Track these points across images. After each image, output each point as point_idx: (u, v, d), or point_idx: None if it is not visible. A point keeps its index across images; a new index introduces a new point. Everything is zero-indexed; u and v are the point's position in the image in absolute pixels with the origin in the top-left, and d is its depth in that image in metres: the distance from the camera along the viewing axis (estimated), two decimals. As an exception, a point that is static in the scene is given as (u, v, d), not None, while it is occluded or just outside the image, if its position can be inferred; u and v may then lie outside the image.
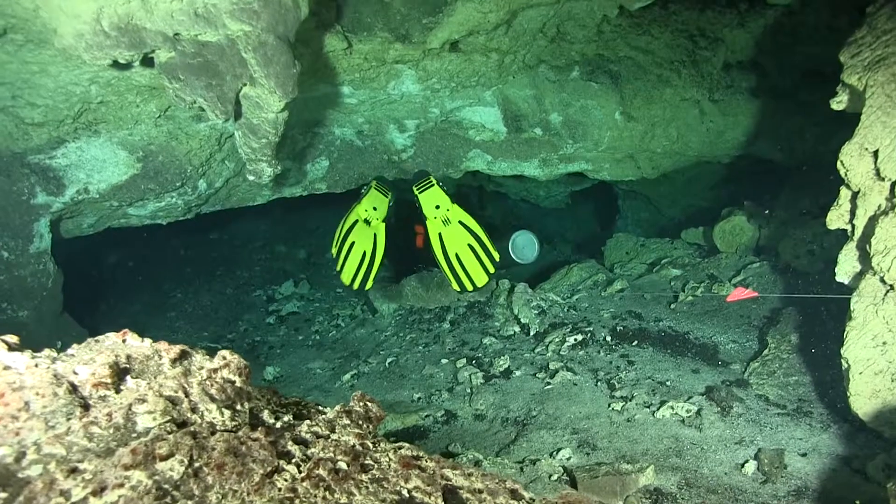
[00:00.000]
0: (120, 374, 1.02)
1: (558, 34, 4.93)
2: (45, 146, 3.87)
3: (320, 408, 1.33)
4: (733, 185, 8.17)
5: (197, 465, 0.86)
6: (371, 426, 1.27)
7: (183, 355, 1.15)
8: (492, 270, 5.07)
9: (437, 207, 5.21)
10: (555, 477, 2.70)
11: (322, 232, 9.85)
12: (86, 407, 0.92)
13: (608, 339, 4.39)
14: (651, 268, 5.88)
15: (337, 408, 1.30)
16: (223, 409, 1.02)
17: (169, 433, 0.88)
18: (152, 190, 4.39)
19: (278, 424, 1.13)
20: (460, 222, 5.22)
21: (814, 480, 2.56)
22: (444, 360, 4.63)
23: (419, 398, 4.20)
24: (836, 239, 4.65)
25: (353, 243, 5.23)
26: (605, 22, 4.92)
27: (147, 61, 3.23)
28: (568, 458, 2.95)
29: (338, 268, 5.25)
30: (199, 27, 3.07)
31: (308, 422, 1.17)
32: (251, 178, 4.04)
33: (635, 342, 4.30)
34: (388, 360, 4.92)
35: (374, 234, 5.28)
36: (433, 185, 5.28)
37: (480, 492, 0.99)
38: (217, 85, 3.29)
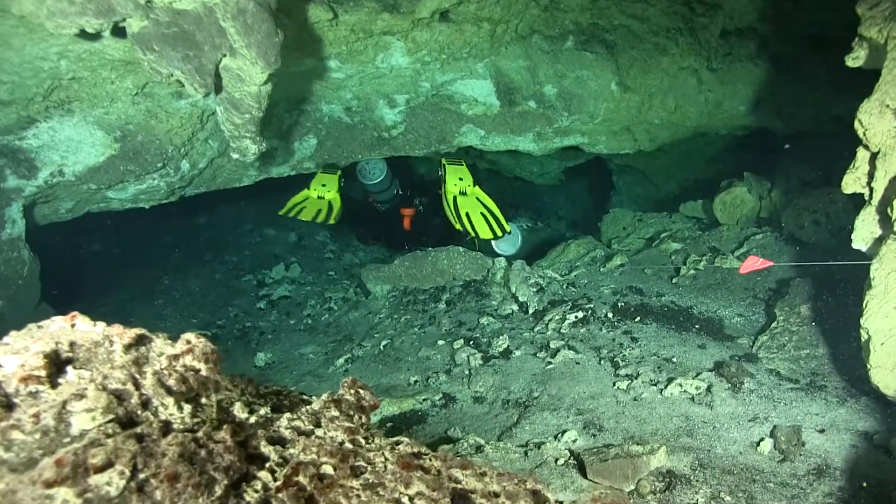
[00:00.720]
0: (60, 364, 0.85)
1: (551, 2, 4.75)
2: (14, 126, 3.67)
3: (304, 397, 1.16)
4: (730, 158, 8.02)
5: (142, 476, 0.70)
6: (364, 417, 1.11)
7: (140, 340, 0.99)
8: (499, 234, 5.57)
9: (461, 180, 5.89)
10: (561, 461, 2.56)
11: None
12: (8, 407, 0.76)
13: (610, 315, 4.25)
14: (650, 242, 5.74)
15: (324, 397, 1.14)
16: (182, 404, 0.86)
17: (109, 436, 0.72)
18: (132, 171, 4.20)
19: (252, 420, 0.97)
20: (477, 198, 5.86)
21: (834, 458, 2.43)
22: (440, 342, 4.48)
23: (416, 381, 4.06)
24: (842, 207, 4.52)
25: (303, 208, 5.99)
26: (600, -12, 4.74)
27: (119, 32, 3.04)
28: (574, 441, 2.81)
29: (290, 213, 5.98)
30: (172, -7, 2.88)
31: (289, 415, 1.01)
32: (235, 155, 3.87)
33: (638, 318, 4.16)
34: (383, 342, 4.77)
35: (329, 201, 6.04)
36: (462, 164, 6.03)
37: (497, 495, 0.84)
38: (195, 56, 3.11)
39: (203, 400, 0.90)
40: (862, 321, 2.46)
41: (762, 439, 2.57)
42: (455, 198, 5.85)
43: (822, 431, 2.63)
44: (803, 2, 5.06)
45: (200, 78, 3.10)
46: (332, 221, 6.06)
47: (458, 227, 5.70)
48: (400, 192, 6.92)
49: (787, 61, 5.37)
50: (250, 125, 3.66)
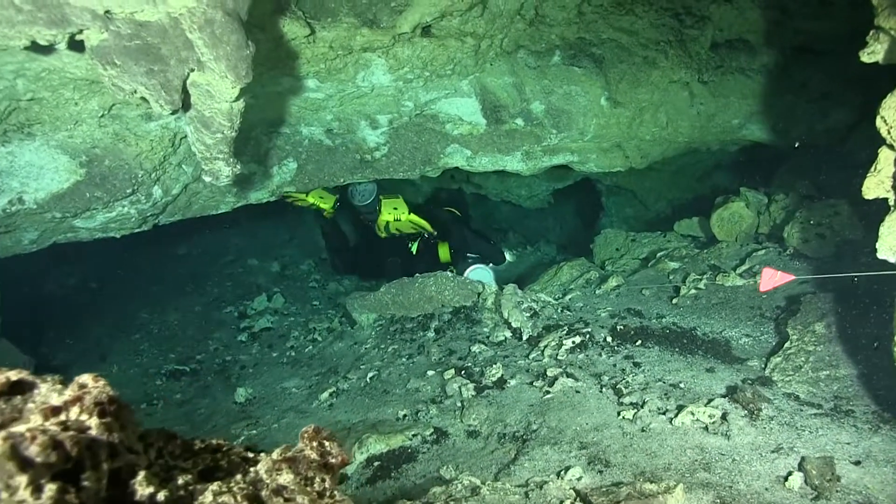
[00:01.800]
0: None
1: (537, 16, 4.59)
2: (-32, 152, 3.43)
3: (250, 455, 0.91)
4: (721, 175, 7.89)
5: None
6: (329, 480, 0.86)
7: (14, 388, 0.74)
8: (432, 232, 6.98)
9: (395, 209, 6.88)
10: (567, 503, 2.31)
11: (297, 243, 9.43)
12: None
13: (609, 339, 4.02)
14: (645, 262, 5.54)
15: (276, 454, 0.89)
16: (46, 484, 0.62)
17: None
18: (99, 198, 3.95)
19: (161, 496, 0.72)
20: (410, 221, 6.92)
21: (877, 495, 2.18)
22: (430, 372, 4.23)
23: (405, 415, 3.80)
24: (847, 219, 4.33)
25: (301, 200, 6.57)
26: (586, 2, 4.59)
27: (78, 46, 2.82)
28: (579, 478, 2.56)
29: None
30: (134, 3, 2.66)
31: (216, 487, 0.76)
32: (207, 179, 3.63)
33: (638, 342, 3.93)
34: (370, 374, 4.51)
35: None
36: (399, 198, 6.99)
37: None
38: (160, 71, 2.89)
39: (87, 473, 0.66)
40: None
41: (790, 473, 2.32)
42: (388, 223, 6.90)
43: (857, 464, 2.38)
44: (792, 11, 4.94)
45: (167, 94, 2.88)
46: (327, 208, 6.75)
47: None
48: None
49: (779, 73, 5.24)
50: (223, 145, 3.43)
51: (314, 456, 0.88)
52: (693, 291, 4.45)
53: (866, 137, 5.41)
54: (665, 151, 5.82)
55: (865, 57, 2.36)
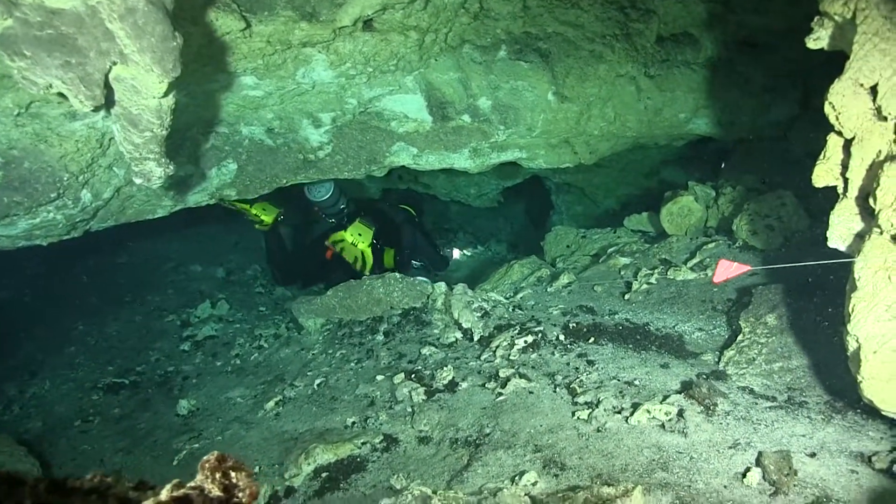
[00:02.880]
0: None
1: (481, 10, 4.48)
2: None
3: (131, 496, 0.76)
4: (669, 171, 7.93)
5: None
6: (232, 523, 0.72)
7: None
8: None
9: (360, 235, 7.00)
10: (522, 510, 2.20)
11: (242, 247, 9.17)
12: None
13: (561, 338, 3.94)
14: (597, 259, 5.49)
15: (165, 491, 0.74)
16: None
17: None
18: (20, 204, 3.70)
19: None
20: (361, 251, 7.00)
21: (833, 487, 2.13)
22: (379, 377, 4.09)
23: (353, 423, 3.65)
24: (793, 210, 4.35)
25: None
26: (531, -5, 4.51)
27: (-18, 38, 2.60)
28: (534, 483, 2.46)
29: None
30: (42, -12, 2.47)
31: None
32: (138, 181, 3.41)
33: (591, 339, 3.86)
34: (317, 381, 4.34)
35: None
36: (372, 230, 7.06)
37: None
38: (78, 63, 2.68)
39: None
40: (849, 327, 2.20)
41: (748, 469, 2.26)
42: (343, 240, 6.97)
43: (812, 455, 2.34)
44: (734, 5, 4.95)
45: (87, 89, 2.68)
46: (267, 220, 6.88)
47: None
48: (345, 208, 7.02)
49: (723, 67, 5.26)
50: (153, 145, 3.22)
51: (216, 492, 0.74)
52: (645, 287, 4.41)
53: (806, 131, 5.51)
54: (614, 147, 5.79)
55: (811, 43, 2.32)
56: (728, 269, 2.30)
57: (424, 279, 6.74)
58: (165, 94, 2.97)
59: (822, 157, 2.31)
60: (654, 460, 2.45)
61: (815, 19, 2.30)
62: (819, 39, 2.29)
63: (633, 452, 2.56)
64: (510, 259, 7.28)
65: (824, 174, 2.30)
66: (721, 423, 2.62)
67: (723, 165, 6.06)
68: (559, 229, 6.54)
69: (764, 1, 4.90)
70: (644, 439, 2.63)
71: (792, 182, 5.20)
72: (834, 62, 5.43)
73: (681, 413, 2.71)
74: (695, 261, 4.43)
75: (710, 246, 4.51)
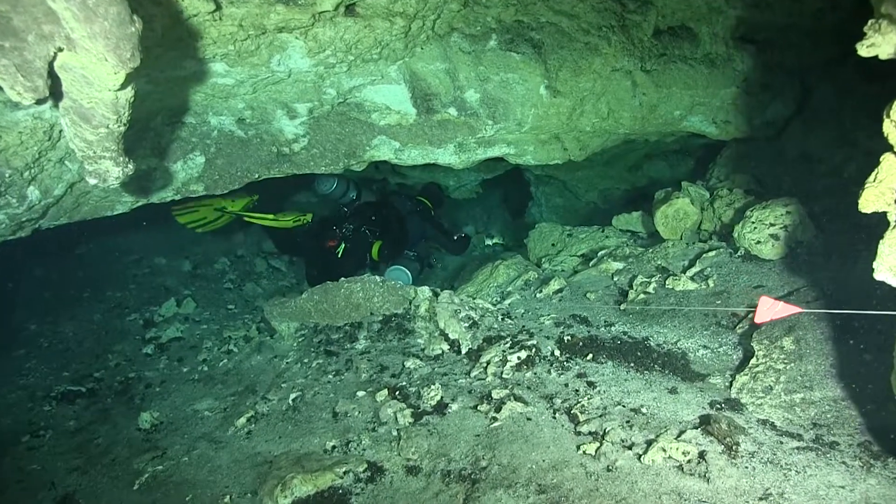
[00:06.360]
0: None
1: (472, -4, 4.17)
2: None
3: None
4: (653, 165, 7.71)
5: None
6: None
7: None
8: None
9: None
10: (537, 580, 1.93)
11: (210, 238, 8.73)
12: None
13: (556, 353, 3.67)
14: (586, 261, 5.23)
15: None
16: None
17: None
18: (-44, 204, 3.31)
19: None
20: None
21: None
22: (360, 393, 3.79)
23: (334, 447, 3.35)
24: (800, 220, 4.12)
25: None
26: (524, -18, 4.21)
27: None
28: (543, 536, 2.19)
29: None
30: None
31: None
32: (92, 181, 3.04)
33: (589, 355, 3.60)
34: (292, 395, 4.02)
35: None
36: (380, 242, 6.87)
37: None
38: (14, 48, 2.31)
39: None
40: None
41: (789, 531, 2.02)
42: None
43: (860, 515, 2.10)
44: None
45: (25, 78, 2.32)
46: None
47: None
48: (355, 198, 7.12)
49: (721, 63, 5.01)
50: (108, 142, 2.86)
51: None
52: (642, 296, 4.16)
53: (801, 132, 5.30)
54: (605, 143, 5.53)
55: (864, 50, 2.05)
56: (772, 309, 2.03)
57: (400, 268, 6.52)
58: (123, 87, 2.61)
59: (872, 178, 2.05)
60: (677, 512, 2.19)
61: (870, 23, 2.04)
62: (874, 46, 2.02)
63: (650, 499, 2.30)
64: (492, 255, 7.00)
65: (874, 199, 2.04)
66: (747, 468, 2.37)
67: (712, 165, 5.83)
68: (543, 226, 6.27)
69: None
70: (661, 483, 2.37)
71: (784, 184, 5.00)
72: (834, 62, 5.20)
73: (702, 455, 2.44)
74: (695, 270, 4.17)
75: (711, 255, 4.25)
